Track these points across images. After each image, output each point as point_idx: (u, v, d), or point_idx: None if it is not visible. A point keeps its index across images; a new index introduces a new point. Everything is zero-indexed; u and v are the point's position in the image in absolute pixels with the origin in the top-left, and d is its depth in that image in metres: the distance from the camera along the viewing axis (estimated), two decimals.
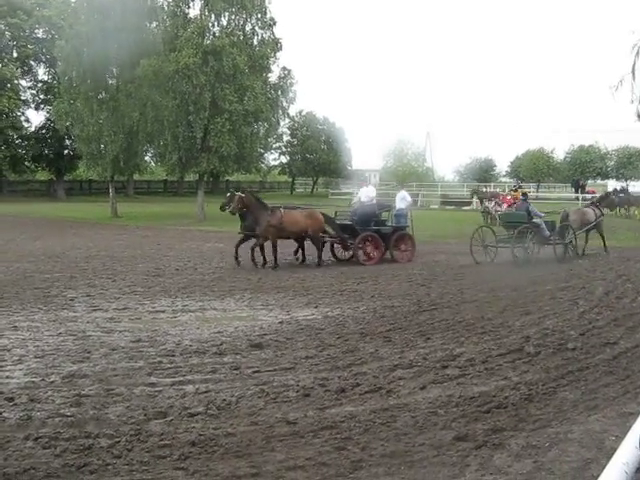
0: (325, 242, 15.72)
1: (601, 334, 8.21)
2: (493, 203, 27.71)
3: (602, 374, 6.54)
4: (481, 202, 39.37)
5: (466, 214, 34.08)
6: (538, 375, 6.47)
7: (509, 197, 29.30)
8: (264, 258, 14.72)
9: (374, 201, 17.03)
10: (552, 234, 16.01)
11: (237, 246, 14.99)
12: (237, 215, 15.34)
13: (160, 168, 50.38)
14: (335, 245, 16.24)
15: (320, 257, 15.17)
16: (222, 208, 15.50)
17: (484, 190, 47.01)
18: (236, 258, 14.70)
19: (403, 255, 16.06)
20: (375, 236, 15.72)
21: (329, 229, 15.76)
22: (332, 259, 16.21)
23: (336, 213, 16.75)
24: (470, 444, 4.79)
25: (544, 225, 15.86)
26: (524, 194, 18.09)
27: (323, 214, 15.71)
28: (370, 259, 15.52)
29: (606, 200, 19.80)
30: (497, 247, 15.85)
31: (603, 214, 18.24)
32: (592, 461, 4.48)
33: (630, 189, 48.66)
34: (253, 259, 14.52)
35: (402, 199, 17.86)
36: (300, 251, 15.68)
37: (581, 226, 17.13)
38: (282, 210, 15.07)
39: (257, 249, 14.59)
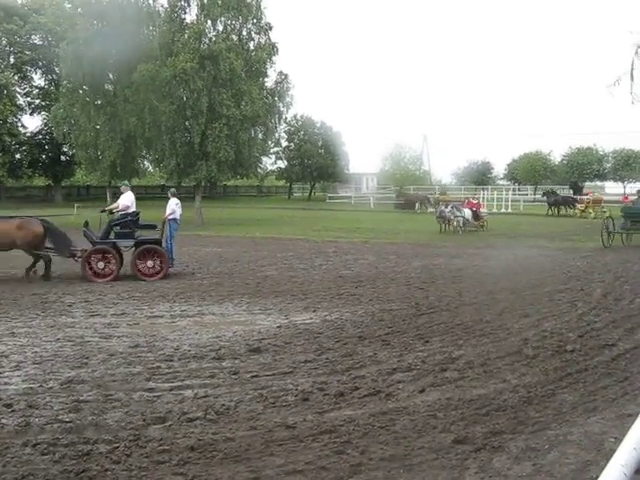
0: (42, 254, 13.39)
1: (600, 336, 8.22)
2: (450, 207, 25.90)
3: (601, 376, 6.55)
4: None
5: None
6: (537, 377, 6.48)
7: (475, 201, 28.64)
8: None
9: (131, 209, 14.16)
10: None
11: None
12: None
13: (158, 173, 50.33)
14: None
15: (33, 271, 13.36)
16: None
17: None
18: None
19: (149, 272, 13.65)
20: (107, 249, 13.54)
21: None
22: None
23: (86, 223, 14.14)
24: (469, 447, 4.79)
25: None
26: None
27: (46, 225, 13.58)
28: (100, 275, 13.34)
29: None
30: (615, 233, 19.70)
31: None
32: (591, 463, 4.49)
33: (627, 190, 49.27)
34: None
35: (169, 207, 15.24)
36: (35, 266, 13.48)
37: None
38: None
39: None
